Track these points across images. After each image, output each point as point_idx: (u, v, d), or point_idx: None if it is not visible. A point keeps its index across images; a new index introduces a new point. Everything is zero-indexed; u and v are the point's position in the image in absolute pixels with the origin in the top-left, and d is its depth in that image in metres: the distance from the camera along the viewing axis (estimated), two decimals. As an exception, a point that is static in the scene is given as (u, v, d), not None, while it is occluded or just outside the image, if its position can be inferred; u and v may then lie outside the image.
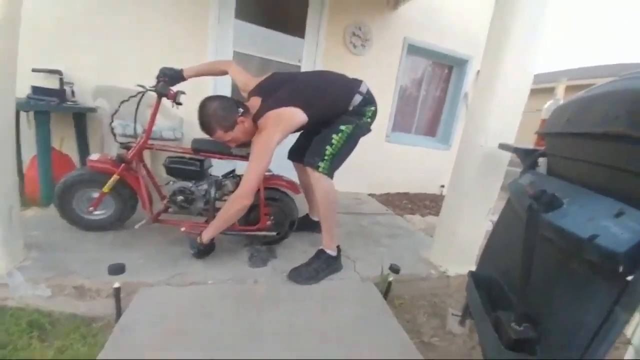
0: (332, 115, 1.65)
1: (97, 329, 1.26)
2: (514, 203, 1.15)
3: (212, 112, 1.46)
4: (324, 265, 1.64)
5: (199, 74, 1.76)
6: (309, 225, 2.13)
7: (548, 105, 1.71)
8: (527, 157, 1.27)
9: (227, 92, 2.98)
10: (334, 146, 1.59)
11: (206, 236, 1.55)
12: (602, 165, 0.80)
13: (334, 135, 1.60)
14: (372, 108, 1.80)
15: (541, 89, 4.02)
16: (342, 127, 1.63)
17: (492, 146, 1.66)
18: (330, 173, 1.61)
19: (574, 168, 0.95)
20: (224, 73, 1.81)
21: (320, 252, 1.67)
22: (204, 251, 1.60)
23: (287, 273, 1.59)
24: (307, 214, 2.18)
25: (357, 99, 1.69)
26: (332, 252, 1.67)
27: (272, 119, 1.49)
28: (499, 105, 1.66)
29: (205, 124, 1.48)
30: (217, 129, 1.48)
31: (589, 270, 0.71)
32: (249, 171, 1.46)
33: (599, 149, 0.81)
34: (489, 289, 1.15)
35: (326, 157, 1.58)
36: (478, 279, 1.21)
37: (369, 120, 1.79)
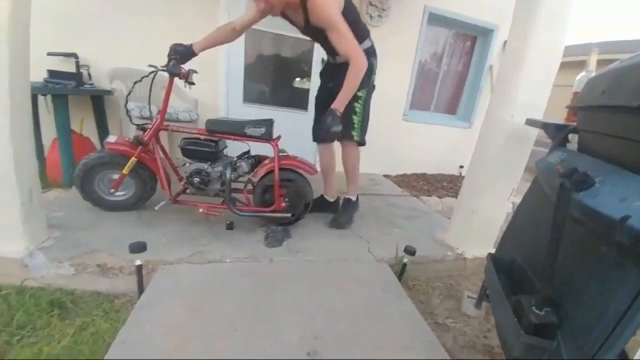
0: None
1: (119, 305, 1.31)
2: (542, 182, 1.08)
3: None
4: (351, 210, 2.05)
5: (209, 45, 1.69)
6: (325, 206, 2.13)
7: (580, 77, 1.58)
8: (558, 133, 1.18)
9: (240, 66, 2.93)
10: (358, 114, 1.77)
11: (339, 106, 1.52)
12: (636, 141, 0.73)
13: (355, 104, 1.74)
14: (376, 61, 1.83)
15: (571, 62, 3.73)
16: (359, 94, 1.72)
17: (519, 122, 1.55)
18: (362, 138, 1.87)
19: (607, 145, 0.88)
20: (234, 33, 1.73)
21: (347, 201, 2.06)
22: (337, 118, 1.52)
23: (329, 223, 1.98)
24: (322, 195, 2.16)
25: (368, 43, 1.75)
26: (354, 198, 2.08)
27: None
28: (528, 78, 1.54)
29: None
30: None
31: (618, 253, 0.67)
32: (345, 40, 1.48)
33: (633, 124, 0.73)
34: (510, 271, 1.11)
35: (356, 126, 1.79)
36: (498, 262, 1.17)
37: (374, 77, 1.84)
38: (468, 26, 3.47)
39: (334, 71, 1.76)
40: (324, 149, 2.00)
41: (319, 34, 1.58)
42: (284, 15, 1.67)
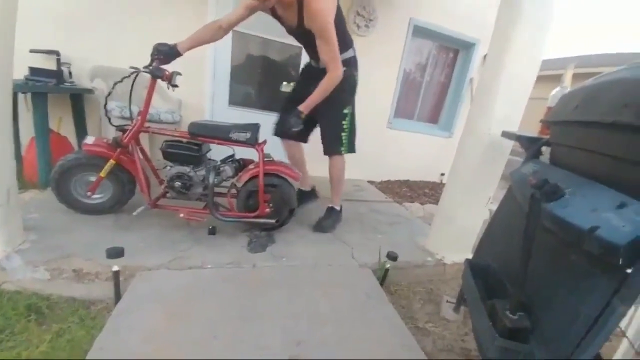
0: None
1: (95, 312, 1.27)
2: (515, 192, 1.13)
3: None
4: (335, 217, 2.08)
5: (194, 44, 1.63)
6: (303, 197, 2.19)
7: (555, 93, 1.68)
8: (531, 146, 1.25)
9: (227, 68, 2.91)
10: (346, 130, 1.84)
11: (305, 109, 1.59)
12: (607, 155, 0.78)
13: (343, 122, 1.82)
14: (357, 74, 1.89)
15: (546, 76, 3.92)
16: (346, 111, 1.81)
17: (496, 133, 1.63)
18: (352, 148, 1.94)
19: (578, 158, 0.93)
20: (220, 31, 1.68)
21: (331, 209, 2.09)
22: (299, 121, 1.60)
23: (313, 227, 2.02)
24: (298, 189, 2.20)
25: (351, 52, 1.79)
26: (338, 207, 2.11)
27: (319, 3, 1.47)
28: (505, 91, 1.62)
29: None
30: None
31: (588, 261, 0.71)
32: (331, 50, 1.54)
33: (605, 139, 0.78)
34: (485, 277, 1.15)
35: (344, 142, 1.86)
36: (474, 267, 1.21)
37: (355, 92, 1.90)
38: (451, 39, 3.61)
39: (318, 75, 1.74)
40: (288, 144, 2.07)
41: (307, 37, 1.59)
42: (274, 13, 1.65)
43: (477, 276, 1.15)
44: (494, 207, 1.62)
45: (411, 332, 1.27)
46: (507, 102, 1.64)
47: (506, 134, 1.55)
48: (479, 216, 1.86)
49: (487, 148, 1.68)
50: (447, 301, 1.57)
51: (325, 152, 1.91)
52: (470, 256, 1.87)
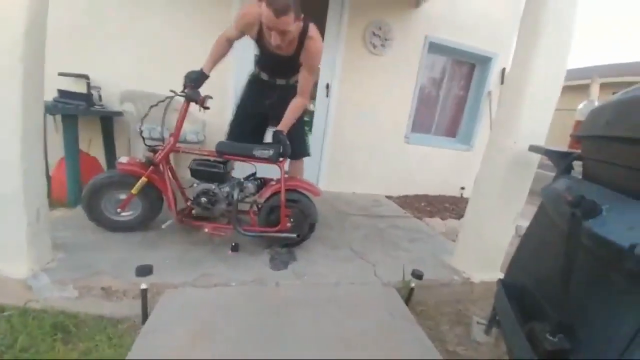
0: None
1: (123, 330, 1.28)
2: (549, 209, 1.09)
3: None
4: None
5: (215, 61, 1.78)
6: None
7: (583, 106, 1.63)
8: (562, 161, 1.21)
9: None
10: (307, 134, 2.07)
11: (285, 128, 1.71)
12: (641, 170, 0.76)
13: (305, 128, 2.04)
14: None
15: (572, 86, 3.82)
16: (306, 119, 2.16)
17: (522, 147, 1.59)
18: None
19: (612, 173, 0.91)
20: (228, 43, 1.80)
21: None
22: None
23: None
24: None
25: None
26: None
27: (319, 44, 1.68)
28: (530, 105, 1.59)
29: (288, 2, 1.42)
30: (292, 11, 1.43)
31: (627, 280, 0.68)
32: (309, 83, 1.75)
33: (639, 154, 0.76)
34: (521, 297, 1.10)
35: (309, 144, 2.07)
36: (508, 287, 1.16)
37: None
38: (467, 54, 3.62)
39: (271, 90, 1.92)
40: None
41: (290, 64, 1.75)
42: (260, 37, 1.69)
43: (511, 297, 1.10)
44: (522, 224, 1.56)
45: (441, 356, 1.22)
46: (532, 116, 1.61)
47: (534, 148, 1.51)
48: (506, 233, 1.79)
49: (513, 162, 1.64)
50: (478, 322, 1.50)
51: (296, 157, 2.01)
52: (498, 274, 1.81)
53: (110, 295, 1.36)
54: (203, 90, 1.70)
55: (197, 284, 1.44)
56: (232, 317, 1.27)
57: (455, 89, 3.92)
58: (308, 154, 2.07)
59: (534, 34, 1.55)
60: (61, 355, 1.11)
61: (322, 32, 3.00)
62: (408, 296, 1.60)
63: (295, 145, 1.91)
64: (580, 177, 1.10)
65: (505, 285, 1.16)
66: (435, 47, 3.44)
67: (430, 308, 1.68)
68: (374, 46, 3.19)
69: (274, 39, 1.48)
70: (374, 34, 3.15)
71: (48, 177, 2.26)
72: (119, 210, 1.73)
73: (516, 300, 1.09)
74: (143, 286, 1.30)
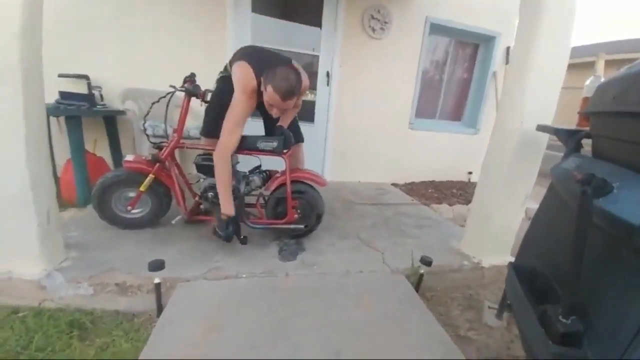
0: None
1: (138, 324, 1.31)
2: (559, 188, 1.07)
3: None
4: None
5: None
6: None
7: (589, 82, 1.58)
8: (571, 139, 1.18)
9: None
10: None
11: (225, 210, 1.59)
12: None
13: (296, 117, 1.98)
14: None
15: (578, 64, 3.71)
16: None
17: (529, 128, 1.55)
18: None
19: (622, 150, 0.88)
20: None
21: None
22: (234, 223, 1.62)
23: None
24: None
25: None
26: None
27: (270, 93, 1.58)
28: (536, 84, 1.55)
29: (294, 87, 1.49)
30: (297, 93, 1.52)
31: (638, 257, 0.67)
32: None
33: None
34: (532, 280, 1.09)
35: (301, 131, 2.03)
36: (519, 270, 1.15)
37: None
38: (470, 34, 3.52)
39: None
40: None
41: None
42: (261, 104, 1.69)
43: (522, 280, 1.09)
44: (532, 206, 1.54)
45: (452, 341, 1.22)
46: (538, 95, 1.57)
47: (542, 128, 1.47)
48: (516, 216, 1.77)
49: (521, 143, 1.61)
50: (489, 307, 1.50)
51: (299, 141, 1.99)
52: (509, 258, 1.80)
53: (124, 290, 1.39)
54: (203, 86, 1.69)
55: (209, 276, 1.47)
56: (243, 308, 1.29)
57: (459, 71, 3.83)
58: (303, 139, 2.07)
59: (536, 10, 1.50)
60: (78, 352, 1.13)
61: (319, 19, 3.01)
62: (418, 283, 1.60)
63: (295, 131, 1.94)
64: (590, 155, 1.07)
65: (516, 268, 1.15)
66: (436, 28, 3.35)
67: (441, 294, 1.69)
68: (374, 30, 3.11)
69: (275, 113, 1.57)
70: (372, 17, 3.07)
71: (56, 179, 2.29)
72: (129, 208, 1.76)
73: (527, 283, 1.08)
74: (156, 280, 1.33)
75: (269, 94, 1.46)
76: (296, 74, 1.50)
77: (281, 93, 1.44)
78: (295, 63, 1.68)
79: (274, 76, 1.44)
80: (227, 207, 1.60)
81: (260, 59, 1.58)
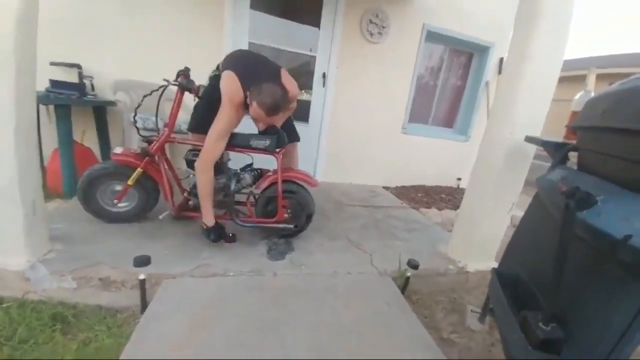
0: None
1: (121, 320, 1.29)
2: (544, 199, 1.10)
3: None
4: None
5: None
6: None
7: (579, 97, 1.62)
8: (557, 151, 1.22)
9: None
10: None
11: (206, 219, 1.62)
12: (637, 162, 0.76)
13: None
14: None
15: (569, 77, 3.81)
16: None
17: (518, 138, 1.59)
18: None
19: (607, 164, 0.91)
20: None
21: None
22: (216, 232, 1.64)
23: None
24: None
25: None
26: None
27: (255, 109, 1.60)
28: (527, 95, 1.59)
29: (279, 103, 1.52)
30: (281, 108, 1.56)
31: (621, 270, 0.70)
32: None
33: (635, 146, 0.77)
34: (514, 286, 1.12)
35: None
36: (502, 277, 1.18)
37: None
38: (465, 43, 3.58)
39: None
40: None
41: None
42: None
43: (505, 286, 1.12)
44: (517, 214, 1.58)
45: (436, 343, 1.24)
46: (529, 106, 1.61)
47: (530, 139, 1.51)
48: (502, 223, 1.81)
49: (510, 153, 1.65)
50: (472, 311, 1.53)
51: (294, 140, 2.02)
52: (493, 264, 1.84)
53: (108, 285, 1.37)
54: (197, 80, 1.67)
55: (195, 274, 1.45)
56: (230, 306, 1.28)
57: (453, 78, 3.89)
58: (299, 138, 2.09)
59: (530, 23, 1.53)
60: (61, 346, 1.11)
61: (317, 19, 3.01)
62: (404, 285, 1.62)
63: (292, 131, 1.98)
64: (575, 168, 1.11)
65: (499, 274, 1.18)
66: (433, 36, 3.39)
67: (426, 297, 1.71)
68: (371, 34, 3.13)
69: (260, 127, 1.65)
70: (370, 21, 3.09)
71: (43, 169, 2.23)
72: (115, 201, 1.72)
73: (510, 289, 1.11)
74: (141, 277, 1.31)
75: (254, 109, 1.50)
76: (282, 90, 1.55)
77: (266, 108, 1.49)
78: (284, 72, 1.71)
79: (259, 92, 1.48)
80: (208, 217, 1.62)
81: (249, 69, 1.59)
